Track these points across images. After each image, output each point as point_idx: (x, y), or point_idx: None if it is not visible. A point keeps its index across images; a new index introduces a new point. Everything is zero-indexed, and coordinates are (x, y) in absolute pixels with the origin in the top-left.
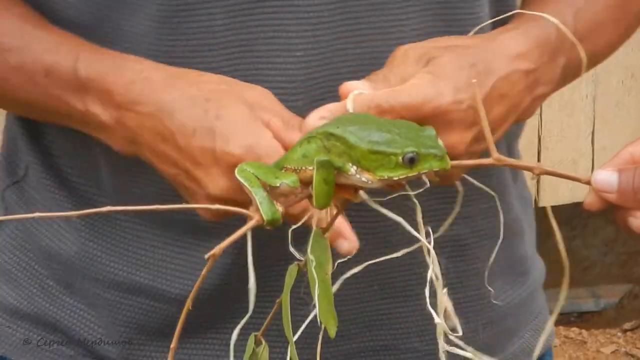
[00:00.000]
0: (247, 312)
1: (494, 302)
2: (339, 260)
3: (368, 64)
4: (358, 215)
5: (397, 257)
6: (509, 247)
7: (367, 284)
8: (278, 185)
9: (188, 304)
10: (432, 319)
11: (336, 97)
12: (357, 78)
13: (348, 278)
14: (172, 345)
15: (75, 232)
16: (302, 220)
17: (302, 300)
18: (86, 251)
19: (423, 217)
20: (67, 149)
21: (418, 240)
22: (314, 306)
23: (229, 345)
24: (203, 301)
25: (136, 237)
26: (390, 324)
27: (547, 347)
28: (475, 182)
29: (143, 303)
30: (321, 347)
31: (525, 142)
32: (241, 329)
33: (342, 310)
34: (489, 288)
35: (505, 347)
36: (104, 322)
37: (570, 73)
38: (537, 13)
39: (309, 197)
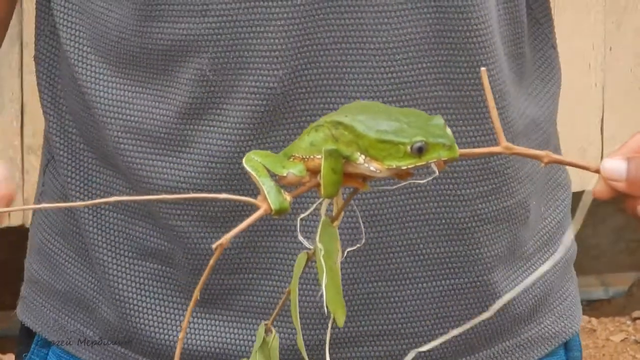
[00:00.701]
0: (257, 284)
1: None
2: (349, 249)
3: (352, 35)
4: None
5: (392, 238)
6: (510, 233)
7: (360, 264)
8: (285, 174)
9: (196, 294)
10: (430, 302)
11: (319, 69)
12: (341, 50)
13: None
14: (180, 336)
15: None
16: (311, 210)
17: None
18: (101, 214)
19: (422, 200)
20: (84, 131)
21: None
22: (321, 295)
23: (244, 318)
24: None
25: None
26: (386, 307)
27: (572, 333)
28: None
29: (157, 269)
30: (312, 332)
31: None
32: (258, 312)
33: None
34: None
35: (518, 332)
36: (119, 295)
37: None
38: None
39: (317, 186)
